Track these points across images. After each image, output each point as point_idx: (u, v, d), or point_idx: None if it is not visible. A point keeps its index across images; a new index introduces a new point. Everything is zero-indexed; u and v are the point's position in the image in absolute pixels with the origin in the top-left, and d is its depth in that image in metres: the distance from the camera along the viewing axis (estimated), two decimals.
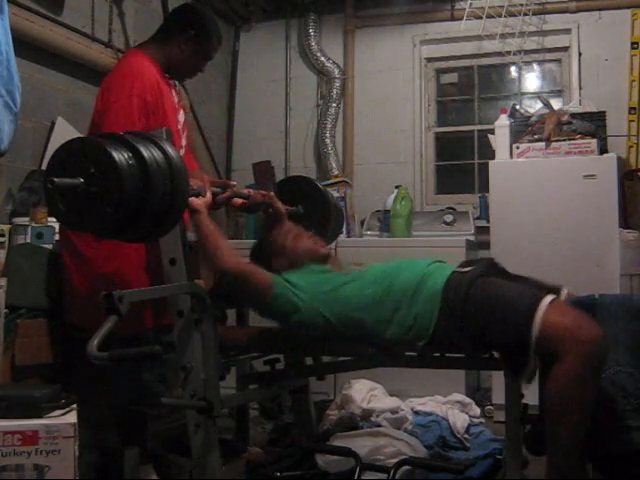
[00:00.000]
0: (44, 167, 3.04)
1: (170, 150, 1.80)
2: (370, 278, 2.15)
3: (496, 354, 2.04)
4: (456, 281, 2.02)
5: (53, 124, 3.22)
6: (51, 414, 1.87)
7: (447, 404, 3.02)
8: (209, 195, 2.20)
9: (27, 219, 2.74)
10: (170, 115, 2.41)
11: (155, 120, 2.31)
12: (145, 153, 1.72)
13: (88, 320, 2.05)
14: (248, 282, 2.13)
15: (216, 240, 2.16)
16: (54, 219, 2.76)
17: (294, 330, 2.15)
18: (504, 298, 1.93)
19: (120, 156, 1.67)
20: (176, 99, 2.57)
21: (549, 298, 1.86)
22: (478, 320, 1.93)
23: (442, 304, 1.98)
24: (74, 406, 1.96)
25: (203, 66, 2.57)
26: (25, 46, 2.93)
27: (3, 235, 2.61)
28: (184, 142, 2.58)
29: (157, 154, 1.76)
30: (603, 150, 3.60)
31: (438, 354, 2.14)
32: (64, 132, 3.17)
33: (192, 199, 2.12)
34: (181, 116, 2.57)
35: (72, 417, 1.89)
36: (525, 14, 4.20)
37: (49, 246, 2.69)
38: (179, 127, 2.52)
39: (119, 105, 2.31)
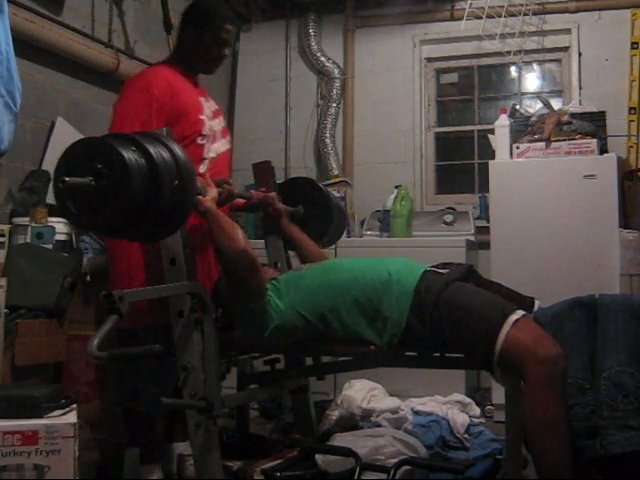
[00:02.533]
0: (44, 167, 3.06)
1: (177, 149, 1.81)
2: (336, 267, 2.20)
3: None
4: (430, 280, 2.04)
5: (53, 124, 3.21)
6: (51, 414, 1.88)
7: (447, 404, 3.02)
8: (214, 192, 2.20)
9: (27, 219, 2.74)
10: (192, 117, 2.40)
11: (164, 116, 2.31)
12: (153, 151, 1.73)
13: None
14: (256, 273, 2.11)
15: (233, 225, 2.15)
16: (54, 219, 2.77)
17: (271, 337, 2.12)
18: (473, 309, 1.95)
19: (129, 154, 1.68)
20: (209, 104, 2.55)
21: (515, 316, 1.89)
22: (446, 325, 1.96)
23: (414, 301, 2.01)
24: (74, 406, 1.96)
25: (219, 51, 2.52)
26: (25, 46, 2.92)
27: (3, 235, 2.61)
28: (225, 147, 2.57)
29: (164, 153, 1.77)
30: (603, 150, 3.60)
31: (438, 354, 2.14)
32: (64, 132, 3.18)
33: (198, 198, 2.11)
34: (218, 122, 2.55)
35: (72, 417, 1.89)
36: (525, 14, 4.20)
37: (49, 246, 2.69)
38: (212, 130, 2.49)
39: (122, 105, 2.36)
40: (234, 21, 2.57)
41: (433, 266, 2.13)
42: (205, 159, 2.44)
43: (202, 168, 2.41)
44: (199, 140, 2.41)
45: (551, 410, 1.80)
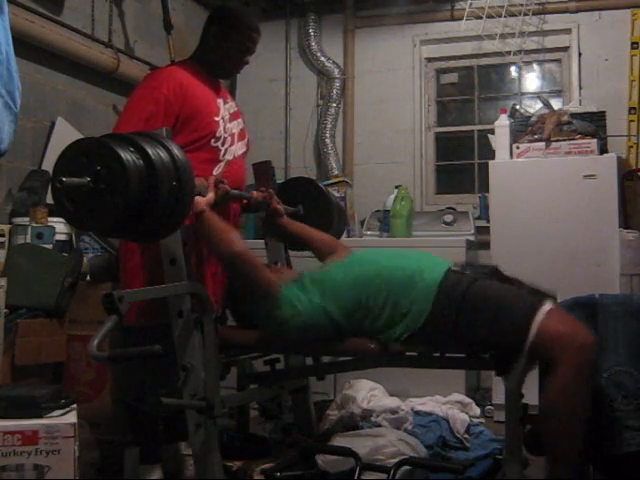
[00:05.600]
0: (44, 167, 3.06)
1: (175, 149, 1.81)
2: (360, 262, 2.20)
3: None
4: (456, 277, 2.05)
5: (53, 124, 3.22)
6: (51, 414, 1.88)
7: (447, 404, 3.02)
8: (211, 195, 2.20)
9: (27, 219, 2.74)
10: (205, 118, 2.38)
11: (173, 116, 2.29)
12: (150, 152, 1.73)
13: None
14: (259, 272, 2.10)
15: (226, 230, 2.15)
16: (54, 219, 2.77)
17: (294, 334, 2.12)
18: (503, 300, 1.96)
19: (126, 155, 1.68)
20: (228, 106, 2.51)
21: (547, 306, 1.90)
22: (473, 318, 1.96)
23: (438, 295, 2.01)
24: (74, 406, 1.96)
25: (240, 58, 2.49)
26: (25, 46, 2.93)
27: (3, 235, 2.61)
28: (242, 150, 2.54)
29: (162, 153, 1.77)
30: (603, 150, 3.60)
31: (438, 354, 2.14)
32: (64, 132, 3.18)
33: (195, 198, 2.11)
34: (236, 124, 2.52)
35: (72, 417, 1.89)
36: (525, 14, 4.20)
37: (49, 246, 2.69)
38: (230, 133, 2.46)
39: (131, 101, 2.36)
40: (260, 31, 2.51)
41: (455, 266, 2.14)
42: (221, 161, 2.42)
43: (217, 170, 2.39)
44: (213, 142, 2.38)
45: (575, 402, 1.81)
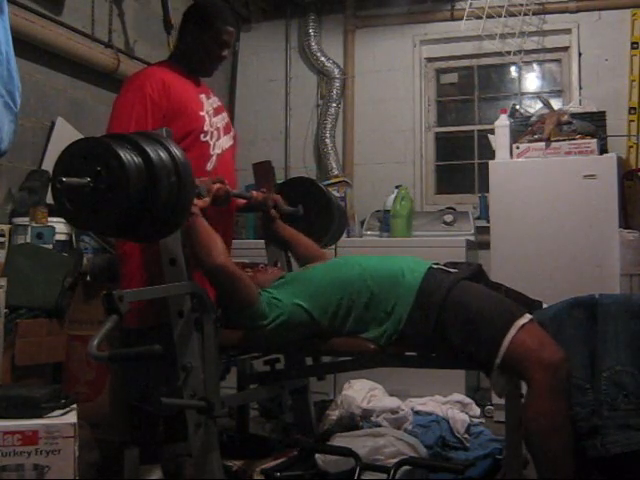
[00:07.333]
0: (44, 167, 3.06)
1: (175, 149, 1.81)
2: (340, 263, 2.21)
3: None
4: (438, 279, 2.04)
5: (53, 124, 3.22)
6: (51, 414, 1.88)
7: (447, 404, 3.02)
8: (207, 199, 2.19)
9: (27, 219, 2.74)
10: (191, 114, 2.39)
11: (161, 114, 2.30)
12: (150, 151, 1.73)
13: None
14: (238, 284, 2.07)
15: (211, 238, 2.09)
16: (54, 219, 2.77)
17: (276, 336, 2.12)
18: (482, 310, 1.95)
19: (126, 154, 1.68)
20: (211, 101, 2.53)
21: (523, 320, 1.89)
22: (452, 324, 1.96)
23: (417, 298, 2.01)
24: (74, 406, 1.96)
25: (219, 52, 2.50)
26: (25, 46, 2.93)
27: (3, 235, 2.61)
28: (228, 144, 2.55)
29: (162, 153, 1.77)
30: (603, 150, 3.60)
31: (434, 354, 2.14)
32: (64, 132, 3.18)
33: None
34: (220, 118, 2.53)
35: (72, 417, 1.89)
36: (525, 14, 4.20)
37: (49, 246, 2.69)
38: (215, 127, 2.48)
39: (118, 104, 2.36)
40: (235, 23, 2.53)
41: (441, 264, 2.13)
42: (212, 156, 2.44)
43: (209, 165, 2.41)
44: (202, 137, 2.41)
45: (554, 416, 1.80)
